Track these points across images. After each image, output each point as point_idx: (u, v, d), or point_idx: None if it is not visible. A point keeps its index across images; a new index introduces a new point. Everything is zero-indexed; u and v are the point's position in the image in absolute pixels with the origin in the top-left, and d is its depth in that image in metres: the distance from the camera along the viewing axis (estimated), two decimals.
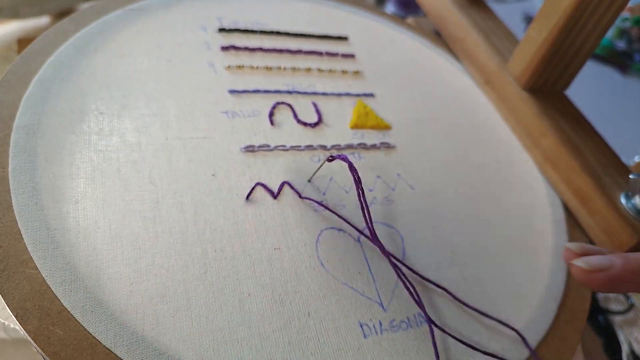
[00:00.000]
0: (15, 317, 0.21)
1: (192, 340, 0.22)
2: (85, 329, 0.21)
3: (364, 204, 0.25)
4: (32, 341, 0.20)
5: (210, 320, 0.23)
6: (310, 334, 0.24)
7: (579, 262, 0.26)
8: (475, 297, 0.28)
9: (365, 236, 0.27)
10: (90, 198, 0.25)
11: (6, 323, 0.29)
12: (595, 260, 0.26)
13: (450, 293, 0.27)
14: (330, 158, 0.25)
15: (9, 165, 0.25)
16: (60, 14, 0.47)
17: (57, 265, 0.22)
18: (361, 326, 0.25)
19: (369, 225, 0.25)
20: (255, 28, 0.38)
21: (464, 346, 0.25)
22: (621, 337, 0.41)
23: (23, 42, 0.42)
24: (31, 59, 0.30)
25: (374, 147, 0.33)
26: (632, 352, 0.40)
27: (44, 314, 0.21)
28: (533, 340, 0.27)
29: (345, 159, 0.24)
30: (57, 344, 0.20)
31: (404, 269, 0.27)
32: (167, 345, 0.21)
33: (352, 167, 0.24)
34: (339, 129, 0.33)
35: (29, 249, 0.22)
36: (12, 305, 0.21)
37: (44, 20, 0.48)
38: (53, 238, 0.23)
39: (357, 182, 0.25)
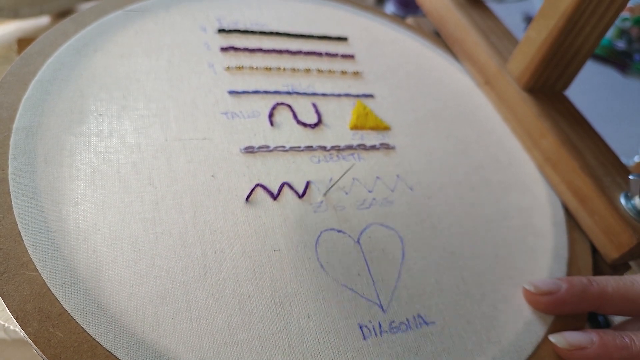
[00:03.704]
0: (16, 319, 0.21)
1: (192, 342, 0.22)
2: (86, 331, 0.21)
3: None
4: (32, 343, 0.20)
5: (210, 322, 0.23)
6: (310, 335, 0.24)
7: (528, 286, 0.28)
8: (475, 299, 0.28)
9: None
10: (90, 200, 0.25)
11: (6, 325, 0.29)
12: (542, 283, 0.28)
13: None
14: None
15: (8, 167, 0.25)
16: (60, 14, 0.47)
17: (57, 267, 0.22)
18: (361, 328, 0.25)
19: None
20: (254, 29, 0.38)
21: None
22: None
23: (23, 42, 0.42)
24: (31, 60, 0.30)
25: (373, 148, 0.33)
26: None
27: (44, 316, 0.21)
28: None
29: None
30: (57, 346, 0.20)
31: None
32: (167, 348, 0.21)
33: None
34: (338, 130, 0.33)
35: (29, 251, 0.22)
36: (12, 308, 0.21)
37: (44, 20, 0.48)
38: (53, 240, 0.23)
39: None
